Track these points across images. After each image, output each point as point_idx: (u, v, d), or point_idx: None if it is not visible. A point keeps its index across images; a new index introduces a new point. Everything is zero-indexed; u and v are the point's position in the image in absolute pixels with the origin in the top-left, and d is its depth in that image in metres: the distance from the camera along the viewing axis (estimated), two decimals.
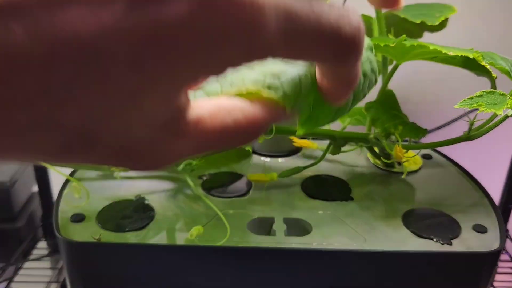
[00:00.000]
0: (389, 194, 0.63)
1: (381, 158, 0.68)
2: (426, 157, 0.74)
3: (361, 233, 0.54)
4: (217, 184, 0.63)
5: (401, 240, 0.53)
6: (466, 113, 0.85)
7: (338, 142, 0.63)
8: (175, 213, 0.57)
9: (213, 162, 0.69)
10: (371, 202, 0.61)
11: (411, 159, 0.73)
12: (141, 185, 0.63)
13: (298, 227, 0.55)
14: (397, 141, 0.59)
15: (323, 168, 0.69)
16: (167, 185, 0.63)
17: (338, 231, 0.54)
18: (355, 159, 0.74)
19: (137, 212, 0.56)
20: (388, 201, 0.61)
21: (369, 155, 0.74)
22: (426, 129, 0.61)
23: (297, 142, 0.71)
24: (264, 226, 0.55)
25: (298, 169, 0.62)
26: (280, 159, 0.72)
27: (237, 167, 0.69)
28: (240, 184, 0.63)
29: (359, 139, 0.62)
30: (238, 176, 0.65)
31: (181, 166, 0.58)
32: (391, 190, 0.64)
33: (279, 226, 0.54)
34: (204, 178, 0.65)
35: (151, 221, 0.55)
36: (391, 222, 0.56)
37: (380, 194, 0.63)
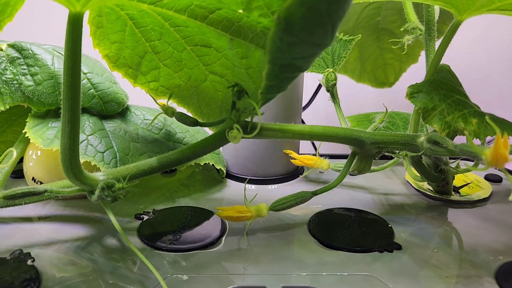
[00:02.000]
0: (457, 238, 0.37)
1: (432, 178, 0.42)
2: (491, 178, 0.49)
3: None
4: (165, 228, 0.37)
5: None
6: None
7: (366, 151, 0.37)
8: (80, 282, 0.30)
9: (154, 187, 0.43)
10: (430, 251, 0.35)
11: (474, 182, 0.47)
12: (25, 231, 0.36)
13: None
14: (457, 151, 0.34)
15: (339, 198, 0.44)
16: (70, 230, 0.37)
17: None
18: (386, 183, 0.48)
19: (10, 281, 0.29)
20: (459, 249, 0.35)
21: (408, 177, 0.48)
22: None
23: (298, 158, 0.46)
24: None
25: (303, 196, 0.36)
26: (270, 186, 0.46)
27: (201, 199, 0.43)
28: (206, 227, 0.37)
29: (402, 145, 0.37)
30: (203, 214, 0.39)
31: (96, 193, 0.32)
32: (458, 230, 0.39)
33: None
34: (145, 217, 0.39)
35: None
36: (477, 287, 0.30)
37: (443, 238, 0.37)
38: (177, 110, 0.38)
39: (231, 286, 0.29)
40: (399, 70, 0.71)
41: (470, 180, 0.47)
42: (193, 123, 0.38)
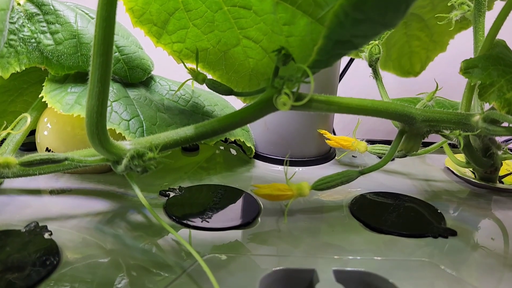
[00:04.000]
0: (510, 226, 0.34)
1: (481, 163, 0.39)
2: None
3: None
4: (194, 206, 0.34)
5: None
6: None
7: (416, 129, 0.34)
8: (104, 260, 0.27)
9: (183, 163, 0.40)
10: (487, 239, 0.32)
11: None
12: (39, 204, 0.33)
13: None
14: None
15: (378, 182, 0.40)
16: (89, 204, 0.33)
17: None
18: (424, 169, 0.45)
19: (27, 254, 0.26)
20: None
21: (449, 163, 0.45)
22: None
23: (333, 139, 0.42)
24: (296, 286, 0.26)
25: (349, 175, 0.33)
26: (300, 168, 0.43)
27: (229, 178, 0.39)
28: (239, 206, 0.34)
29: (454, 124, 0.34)
30: (234, 192, 0.36)
31: (122, 164, 0.28)
32: (510, 219, 0.35)
33: (326, 287, 0.25)
34: (171, 193, 0.35)
35: (50, 274, 0.24)
36: None
37: (497, 227, 0.34)
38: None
39: (279, 267, 0.26)
40: (426, 59, 0.68)
41: None
42: (227, 91, 0.35)
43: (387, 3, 0.22)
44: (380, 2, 0.22)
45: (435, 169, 0.45)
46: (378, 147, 0.42)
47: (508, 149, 0.49)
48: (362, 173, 0.33)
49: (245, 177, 0.40)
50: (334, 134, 0.63)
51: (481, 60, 0.35)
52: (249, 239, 0.29)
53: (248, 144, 0.41)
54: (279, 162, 0.43)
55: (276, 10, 0.32)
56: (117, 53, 0.36)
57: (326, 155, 0.45)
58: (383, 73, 0.70)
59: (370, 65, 0.43)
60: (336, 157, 0.46)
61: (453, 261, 0.28)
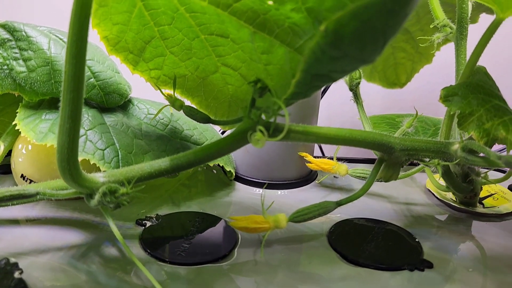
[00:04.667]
0: (490, 256, 0.34)
1: (460, 188, 0.39)
2: None
3: None
4: (170, 237, 0.33)
5: None
6: None
7: (394, 158, 0.34)
8: None
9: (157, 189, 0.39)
10: (464, 271, 0.32)
11: (499, 193, 0.44)
12: (12, 236, 0.32)
13: None
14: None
15: (358, 207, 0.40)
16: (63, 236, 0.33)
17: None
18: (405, 191, 0.45)
19: None
20: (495, 269, 0.32)
21: (430, 185, 0.45)
22: None
23: (314, 162, 0.42)
24: None
25: (326, 206, 0.32)
26: (281, 192, 0.43)
27: (208, 203, 0.39)
28: (216, 237, 0.34)
29: (433, 152, 0.34)
30: (211, 221, 0.36)
31: (95, 199, 0.28)
32: (489, 247, 0.35)
33: None
34: (148, 223, 0.35)
35: None
36: None
37: (475, 256, 0.34)
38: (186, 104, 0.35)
39: None
40: (411, 70, 0.68)
41: (495, 191, 0.44)
42: (204, 119, 0.34)
43: (365, 39, 0.22)
44: (358, 39, 0.22)
45: (416, 191, 0.45)
46: (359, 170, 0.42)
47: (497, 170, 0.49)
48: (339, 204, 0.33)
49: (225, 203, 0.40)
50: (323, 154, 0.63)
51: (461, 88, 0.35)
52: (225, 273, 0.29)
53: (228, 168, 0.40)
54: (260, 185, 0.43)
55: (254, 39, 0.31)
56: (92, 79, 0.35)
57: (308, 177, 0.45)
58: (369, 85, 0.70)
59: (351, 89, 0.43)
60: (316, 180, 0.45)
61: None
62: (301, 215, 0.32)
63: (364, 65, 0.26)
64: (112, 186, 0.28)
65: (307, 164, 0.42)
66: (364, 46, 0.23)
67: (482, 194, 0.43)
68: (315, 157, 0.44)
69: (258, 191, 0.42)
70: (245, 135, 0.30)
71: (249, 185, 0.43)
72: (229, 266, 0.30)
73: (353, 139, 0.33)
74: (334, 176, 0.47)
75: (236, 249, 0.32)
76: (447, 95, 0.35)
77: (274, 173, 0.43)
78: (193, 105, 0.36)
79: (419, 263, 0.32)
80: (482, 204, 0.43)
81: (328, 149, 0.65)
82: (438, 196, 0.43)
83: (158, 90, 0.35)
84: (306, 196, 0.42)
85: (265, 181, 0.43)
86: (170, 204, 0.38)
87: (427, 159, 0.35)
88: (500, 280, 0.30)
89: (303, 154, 0.42)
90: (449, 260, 0.33)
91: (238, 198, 0.41)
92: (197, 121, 0.34)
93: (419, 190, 0.45)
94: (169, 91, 0.36)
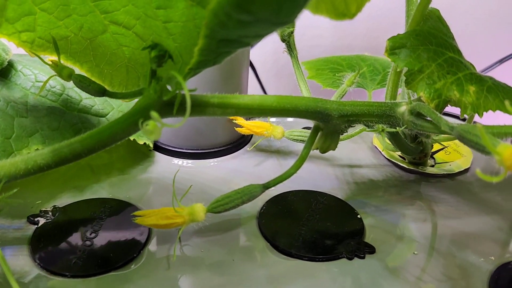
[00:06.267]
0: (440, 230, 0.31)
1: (409, 150, 0.35)
2: None
3: None
4: (66, 239, 0.27)
5: None
6: None
7: (332, 126, 0.29)
8: None
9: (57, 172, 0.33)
10: (409, 255, 0.28)
11: (452, 146, 0.41)
12: None
13: None
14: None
15: (296, 174, 0.35)
16: None
17: None
18: (350, 150, 0.40)
19: None
20: (444, 248, 0.29)
21: (376, 141, 0.41)
22: None
23: (245, 126, 0.36)
24: None
25: (251, 191, 0.27)
26: (211, 161, 0.37)
27: (120, 184, 0.33)
28: (124, 232, 0.28)
29: (377, 117, 0.29)
30: (121, 209, 0.30)
31: None
32: (439, 216, 0.32)
33: None
34: (41, 220, 0.29)
35: None
36: None
37: (422, 232, 0.30)
38: (77, 73, 0.28)
39: None
40: None
41: (447, 144, 0.40)
42: (99, 91, 0.27)
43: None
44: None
45: (361, 148, 0.40)
46: (296, 132, 0.36)
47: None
48: (267, 187, 0.28)
49: (141, 181, 0.34)
50: None
51: (410, 37, 0.29)
52: (132, 281, 0.24)
53: (141, 142, 0.34)
54: (185, 155, 0.37)
55: None
56: None
57: (241, 140, 0.39)
58: (316, 17, 0.63)
59: (283, 40, 0.36)
60: (248, 145, 0.40)
61: None
62: (221, 205, 0.27)
63: (282, 27, 0.20)
64: None
65: (237, 129, 0.36)
66: (280, 6, 0.17)
67: (434, 148, 0.39)
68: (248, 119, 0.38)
69: (181, 162, 0.36)
70: (147, 113, 0.24)
71: (172, 155, 0.37)
72: (135, 273, 0.25)
73: (281, 108, 0.27)
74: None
75: (147, 248, 0.27)
76: (393, 47, 0.29)
77: (199, 140, 0.37)
78: (82, 73, 0.29)
79: (359, 248, 0.28)
80: (434, 159, 0.39)
81: None
82: (386, 155, 0.38)
83: (36, 57, 0.27)
84: (240, 164, 0.37)
85: (190, 151, 0.37)
86: (73, 190, 0.32)
87: (371, 124, 0.30)
88: (448, 264, 0.27)
89: (233, 117, 0.36)
90: (394, 241, 0.29)
91: (158, 174, 0.35)
92: (90, 94, 0.27)
93: (365, 147, 0.40)
94: (53, 57, 0.28)
